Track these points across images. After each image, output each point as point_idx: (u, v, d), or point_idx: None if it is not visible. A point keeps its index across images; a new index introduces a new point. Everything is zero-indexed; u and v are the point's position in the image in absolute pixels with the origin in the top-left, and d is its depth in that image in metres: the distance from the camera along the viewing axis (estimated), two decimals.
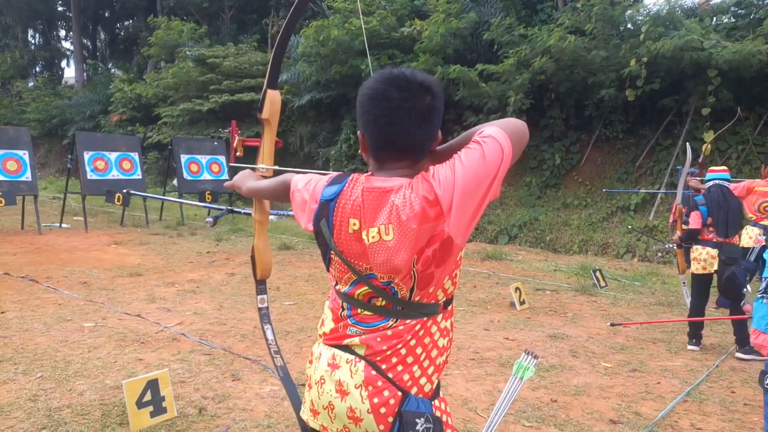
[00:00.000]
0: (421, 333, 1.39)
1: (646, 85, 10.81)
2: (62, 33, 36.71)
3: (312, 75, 15.80)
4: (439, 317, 1.42)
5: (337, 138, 16.05)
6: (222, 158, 13.17)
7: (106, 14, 33.37)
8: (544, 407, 3.67)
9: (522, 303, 6.23)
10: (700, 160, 8.48)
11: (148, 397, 3.21)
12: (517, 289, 6.28)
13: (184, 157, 12.46)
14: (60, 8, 33.88)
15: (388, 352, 1.37)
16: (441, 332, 1.43)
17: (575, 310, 6.24)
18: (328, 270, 1.49)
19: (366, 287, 1.39)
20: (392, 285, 1.36)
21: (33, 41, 36.59)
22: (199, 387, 3.75)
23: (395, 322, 1.38)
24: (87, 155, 10.98)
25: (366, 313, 1.41)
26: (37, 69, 35.38)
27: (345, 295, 1.44)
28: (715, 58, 9.85)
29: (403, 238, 1.28)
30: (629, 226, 10.46)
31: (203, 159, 12.80)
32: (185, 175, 12.37)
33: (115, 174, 11.29)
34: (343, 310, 1.45)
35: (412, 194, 1.28)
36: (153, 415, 3.21)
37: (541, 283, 7.69)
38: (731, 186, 7.38)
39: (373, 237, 1.31)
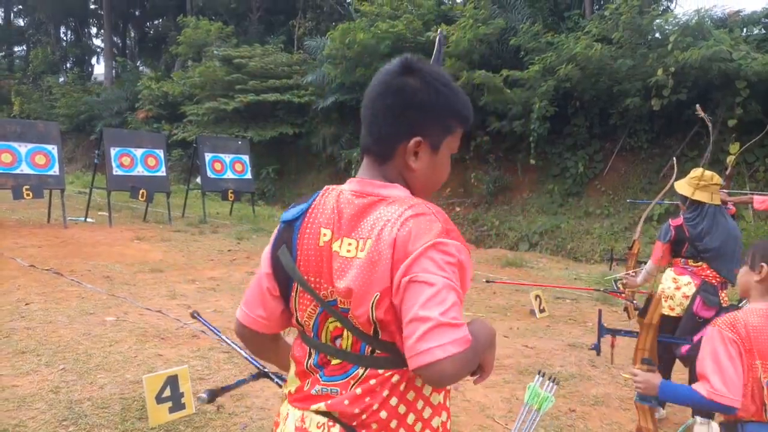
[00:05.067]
0: (402, 387, 1.10)
1: (672, 95, 10.69)
2: (93, 30, 37.42)
3: (337, 77, 15.91)
4: None
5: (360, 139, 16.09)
6: (245, 157, 13.28)
7: (137, 13, 33.92)
8: (562, 416, 3.64)
9: (542, 311, 6.17)
10: (727, 173, 8.35)
11: (167, 392, 3.24)
12: (537, 296, 6.24)
13: (208, 156, 12.58)
14: (92, 6, 34.53)
15: (364, 416, 1.10)
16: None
17: (595, 320, 6.16)
18: (291, 312, 1.23)
19: (333, 319, 1.14)
20: (351, 316, 1.10)
21: (65, 38, 37.35)
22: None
23: (364, 371, 1.11)
24: (113, 151, 11.14)
25: (334, 361, 1.15)
26: (68, 65, 36.05)
27: (312, 340, 1.19)
28: (744, 69, 9.71)
29: (375, 261, 1.06)
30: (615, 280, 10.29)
31: (227, 158, 12.91)
32: (209, 174, 12.49)
33: (140, 170, 11.43)
34: (310, 358, 1.19)
35: (415, 217, 1.08)
36: (172, 410, 3.24)
37: (561, 291, 7.62)
38: (760, 199, 7.22)
39: (348, 250, 1.10)
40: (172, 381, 3.28)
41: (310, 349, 1.19)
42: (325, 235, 1.15)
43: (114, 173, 11.03)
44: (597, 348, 3.16)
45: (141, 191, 11.04)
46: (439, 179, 1.24)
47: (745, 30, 11.79)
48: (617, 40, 11.33)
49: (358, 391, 1.09)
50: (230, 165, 12.89)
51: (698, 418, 3.49)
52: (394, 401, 1.09)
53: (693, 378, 3.58)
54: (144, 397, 3.21)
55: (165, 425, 3.19)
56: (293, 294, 1.19)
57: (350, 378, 1.11)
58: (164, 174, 11.97)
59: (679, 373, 3.89)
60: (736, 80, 10.07)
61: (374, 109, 1.17)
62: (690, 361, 3.31)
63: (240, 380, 2.01)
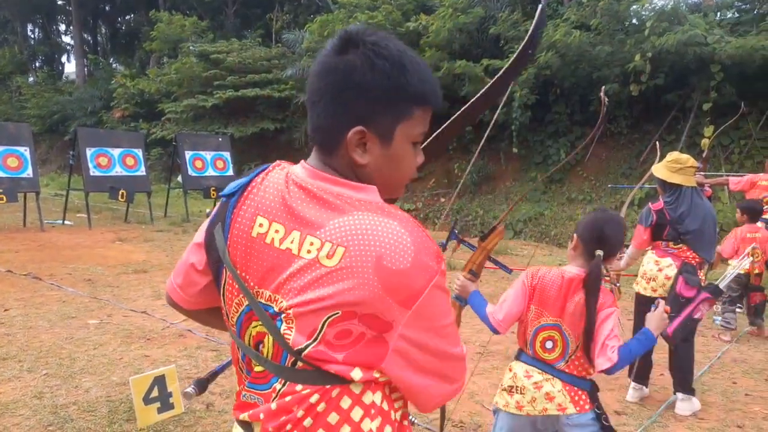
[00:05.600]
0: (320, 408, 0.93)
1: (650, 81, 10.80)
2: (62, 27, 36.60)
3: None
4: (357, 387, 0.94)
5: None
6: (227, 154, 13.12)
7: (107, 8, 33.25)
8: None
9: None
10: (704, 155, 8.45)
11: (155, 393, 3.18)
12: None
13: (188, 154, 12.41)
14: (60, 2, 33.68)
15: None
16: (366, 411, 0.95)
17: None
18: (218, 296, 1.08)
19: (258, 322, 0.98)
20: (282, 317, 0.94)
21: (32, 36, 36.49)
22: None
23: (282, 386, 0.96)
24: (89, 152, 10.93)
25: (257, 368, 1.00)
26: (37, 64, 35.28)
27: (237, 338, 1.03)
28: (719, 53, 9.85)
29: (347, 276, 0.89)
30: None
31: (208, 155, 12.75)
32: (190, 172, 12.33)
33: (118, 170, 11.24)
34: (241, 362, 1.05)
35: (408, 238, 0.90)
36: (160, 411, 3.18)
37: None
38: (735, 180, 7.33)
39: (308, 251, 0.92)
40: (160, 381, 3.22)
41: (239, 350, 1.05)
42: (261, 225, 0.99)
43: (91, 174, 10.82)
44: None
45: (120, 191, 10.86)
46: (402, 176, 1.04)
47: (719, 14, 11.93)
48: (595, 27, 11.38)
49: (273, 406, 0.96)
50: (211, 162, 12.74)
51: (680, 395, 3.57)
52: (308, 422, 0.93)
53: (675, 357, 3.64)
54: (131, 398, 3.14)
55: (154, 426, 3.13)
56: (222, 281, 1.04)
57: (271, 390, 0.97)
58: (144, 173, 11.80)
59: (661, 352, 3.92)
60: (711, 64, 10.21)
61: (311, 94, 1.01)
62: (674, 340, 3.36)
63: (228, 361, 1.73)
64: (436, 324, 0.94)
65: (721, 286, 3.32)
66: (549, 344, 2.13)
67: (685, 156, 3.72)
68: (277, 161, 1.09)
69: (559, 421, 2.10)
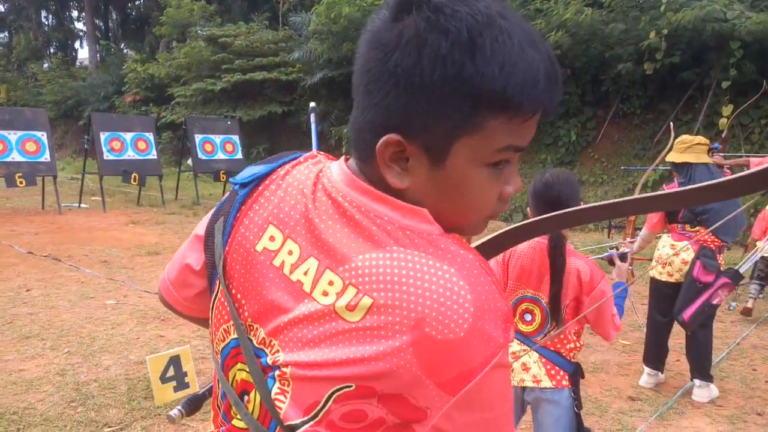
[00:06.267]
0: None
1: (665, 59, 10.56)
2: (75, 13, 36.74)
3: (324, 53, 15.71)
4: None
5: (350, 116, 15.98)
6: (236, 137, 13.18)
7: None
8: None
9: None
10: (723, 135, 8.34)
11: (171, 372, 3.25)
12: None
13: (198, 137, 12.49)
14: None
15: None
16: None
17: None
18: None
19: (245, 366, 0.74)
20: (276, 375, 0.69)
21: (46, 22, 36.62)
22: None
23: None
24: (103, 136, 11.06)
25: (237, 422, 0.77)
26: (51, 50, 35.47)
27: (219, 371, 0.80)
28: (739, 29, 9.56)
29: (371, 340, 0.62)
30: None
31: (217, 138, 12.82)
32: (200, 155, 12.42)
33: (130, 154, 11.37)
34: (220, 401, 0.82)
35: (468, 295, 0.61)
36: (176, 389, 3.26)
37: None
38: (756, 161, 7.23)
39: (324, 292, 0.66)
40: (175, 361, 3.29)
41: (221, 386, 0.81)
42: (272, 239, 0.73)
43: (105, 158, 10.97)
44: None
45: (133, 175, 11.00)
46: (468, 211, 0.71)
47: None
48: (608, 4, 11.17)
49: None
50: (221, 146, 12.81)
51: (697, 381, 3.57)
52: None
53: (691, 343, 3.64)
54: (149, 377, 3.23)
55: (171, 403, 3.22)
56: (214, 293, 0.80)
57: None
58: (155, 157, 11.92)
59: (677, 338, 3.93)
60: (731, 41, 9.94)
61: (354, 72, 0.71)
62: (692, 326, 3.35)
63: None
64: (488, 415, 0.65)
65: (742, 270, 3.27)
66: (528, 317, 2.13)
67: (689, 136, 3.67)
68: (314, 152, 0.82)
69: (535, 394, 2.10)
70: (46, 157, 10.15)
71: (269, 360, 0.70)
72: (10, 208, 10.83)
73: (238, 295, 0.75)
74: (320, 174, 0.74)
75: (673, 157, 3.64)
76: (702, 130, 10.41)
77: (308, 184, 0.74)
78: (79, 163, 15.61)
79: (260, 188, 0.78)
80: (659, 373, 3.79)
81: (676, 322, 3.52)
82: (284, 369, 0.68)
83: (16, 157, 9.75)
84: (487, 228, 0.76)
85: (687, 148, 3.57)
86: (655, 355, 3.76)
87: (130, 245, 7.75)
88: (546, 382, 2.06)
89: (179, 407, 1.38)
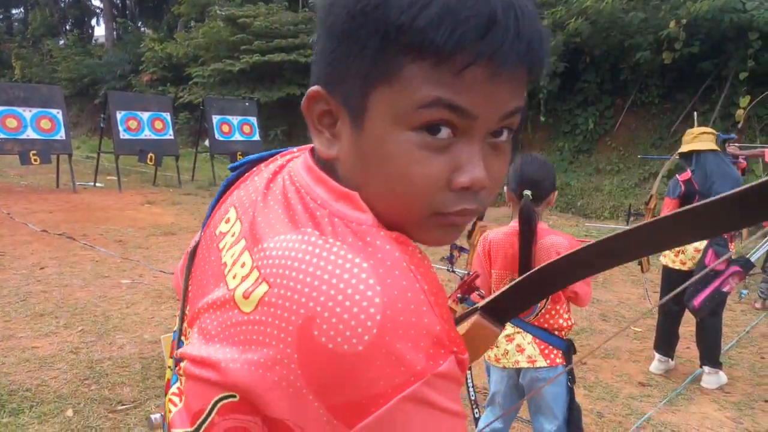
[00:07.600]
0: None
1: (684, 48, 10.45)
2: None
3: None
4: None
5: None
6: (253, 119, 13.18)
7: None
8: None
9: None
10: (739, 126, 8.23)
11: None
12: None
13: (215, 118, 12.50)
14: None
15: None
16: None
17: (606, 275, 6.22)
18: None
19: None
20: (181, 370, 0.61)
21: None
22: None
23: None
24: (119, 115, 11.11)
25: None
26: (67, 27, 35.56)
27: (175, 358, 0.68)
28: (757, 20, 9.50)
29: (257, 339, 0.50)
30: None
31: (235, 120, 12.83)
32: (217, 136, 12.45)
33: (147, 134, 11.41)
34: (170, 387, 0.70)
35: (375, 298, 0.47)
36: None
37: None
38: None
39: (234, 275, 0.57)
40: None
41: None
42: (227, 221, 0.66)
43: (121, 137, 11.01)
44: None
45: (149, 155, 11.05)
46: (393, 189, 0.54)
47: None
48: None
49: None
50: (238, 127, 12.82)
51: (706, 368, 3.59)
52: None
53: (701, 330, 3.65)
54: (162, 356, 3.28)
55: None
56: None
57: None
58: (172, 137, 11.95)
59: (687, 325, 3.93)
60: (749, 31, 9.86)
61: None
62: (702, 313, 3.37)
63: None
64: None
65: (753, 258, 3.29)
66: None
67: (695, 128, 3.77)
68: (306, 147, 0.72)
69: (531, 375, 2.15)
70: (61, 134, 10.20)
71: (178, 352, 0.60)
72: (25, 185, 10.94)
73: (192, 279, 0.70)
74: (295, 158, 0.67)
75: (681, 149, 3.73)
76: (719, 121, 10.30)
77: (278, 167, 0.67)
78: (95, 141, 15.73)
79: (247, 173, 0.72)
80: (669, 360, 3.84)
81: (686, 311, 3.55)
82: (181, 363, 0.58)
83: (30, 134, 9.78)
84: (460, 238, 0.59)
85: (693, 138, 3.66)
86: (666, 342, 3.82)
87: (146, 225, 7.82)
88: (541, 362, 2.13)
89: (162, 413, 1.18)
